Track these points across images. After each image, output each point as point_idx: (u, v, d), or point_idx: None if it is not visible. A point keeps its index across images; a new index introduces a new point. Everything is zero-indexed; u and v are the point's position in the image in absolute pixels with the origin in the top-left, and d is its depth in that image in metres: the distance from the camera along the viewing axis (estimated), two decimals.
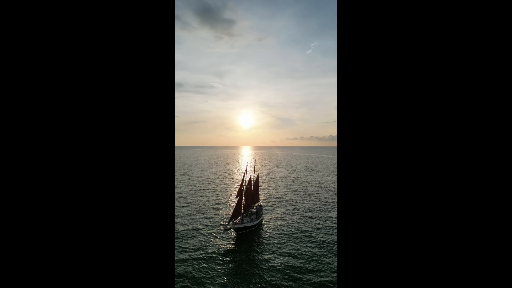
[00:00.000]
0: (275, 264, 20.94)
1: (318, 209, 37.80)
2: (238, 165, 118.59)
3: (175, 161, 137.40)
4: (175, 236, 26.90)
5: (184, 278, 18.72)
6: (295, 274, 19.41)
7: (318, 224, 30.96)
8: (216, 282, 18.28)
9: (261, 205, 36.35)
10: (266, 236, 27.18)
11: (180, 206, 38.97)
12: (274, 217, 33.85)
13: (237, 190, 51.77)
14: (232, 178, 71.73)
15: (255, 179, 36.31)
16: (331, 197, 45.42)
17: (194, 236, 26.95)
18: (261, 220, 32.26)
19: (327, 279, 18.67)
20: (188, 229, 28.91)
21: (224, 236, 27.05)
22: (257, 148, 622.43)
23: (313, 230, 28.91)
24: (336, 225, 30.37)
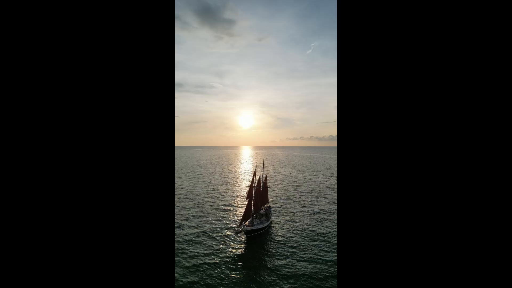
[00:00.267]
0: (291, 270, 19.80)
1: (329, 210, 36.67)
2: (241, 165, 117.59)
3: (177, 161, 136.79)
4: (184, 240, 25.78)
5: (198, 285, 17.60)
6: (314, 281, 18.27)
7: (332, 226, 29.81)
8: None
9: (269, 206, 35.25)
10: (278, 239, 26.05)
11: (187, 208, 37.86)
12: (284, 219, 32.72)
13: (243, 190, 51.00)
14: (237, 178, 70.78)
15: (263, 179, 35.24)
16: None
17: (203, 239, 25.82)
18: (271, 222, 31.14)
19: None
20: (197, 232, 27.80)
21: (234, 239, 25.90)
22: (257, 148, 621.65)
23: (327, 233, 27.77)
24: None
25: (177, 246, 24.04)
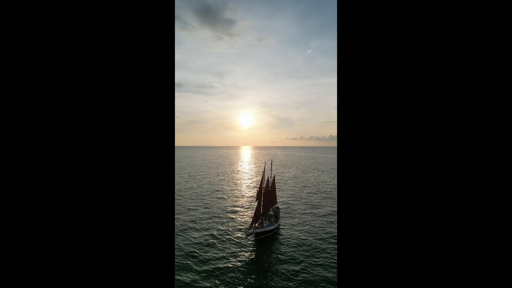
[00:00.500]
0: (307, 276, 18.88)
1: None
2: (243, 165, 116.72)
3: (179, 161, 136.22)
4: (194, 243, 24.90)
5: None
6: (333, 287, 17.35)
7: None
8: None
9: (278, 207, 34.38)
10: (290, 242, 25.12)
11: (195, 209, 36.98)
12: (294, 221, 31.78)
13: (249, 190, 50.19)
14: (242, 179, 69.97)
15: (272, 180, 34.38)
16: None
17: (212, 242, 24.95)
18: (279, 223, 30.25)
19: None
20: (206, 235, 26.93)
21: (244, 242, 25.00)
22: (257, 148, 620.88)
23: None
24: None
25: (187, 249, 23.16)
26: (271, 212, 30.74)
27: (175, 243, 24.64)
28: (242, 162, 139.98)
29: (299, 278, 18.54)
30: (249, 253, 22.62)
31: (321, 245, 24.26)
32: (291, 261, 21.15)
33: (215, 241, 25.24)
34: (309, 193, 49.49)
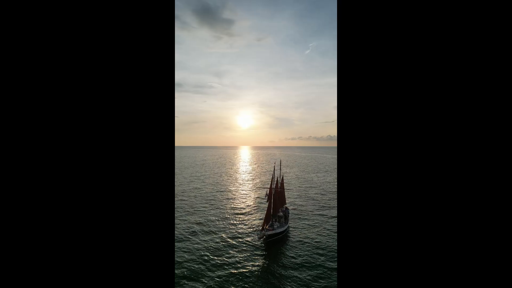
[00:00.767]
0: (328, 283, 17.94)
1: None
2: (245, 165, 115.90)
3: (180, 161, 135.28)
4: (204, 247, 23.96)
5: None
6: None
7: None
8: None
9: (287, 208, 33.52)
10: (303, 245, 24.22)
11: (201, 211, 36.02)
12: (304, 223, 30.89)
13: (255, 191, 49.34)
14: (246, 179, 69.23)
15: (281, 180, 33.52)
16: None
17: (223, 246, 24.01)
18: (289, 225, 29.40)
19: None
20: (215, 238, 25.96)
21: (256, 245, 24.04)
22: (256, 148, 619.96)
23: None
24: None
25: (198, 253, 22.20)
26: (281, 213, 29.89)
27: (185, 246, 23.69)
28: (243, 162, 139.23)
29: (319, 285, 17.63)
30: (262, 257, 21.69)
31: (336, 248, 23.36)
32: (307, 265, 20.25)
33: (225, 244, 24.30)
34: (316, 193, 48.63)
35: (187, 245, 23.81)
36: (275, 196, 28.97)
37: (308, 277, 18.48)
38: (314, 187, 55.88)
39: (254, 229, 28.40)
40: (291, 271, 19.29)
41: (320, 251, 22.82)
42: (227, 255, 21.85)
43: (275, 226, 26.26)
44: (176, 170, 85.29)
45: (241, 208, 37.86)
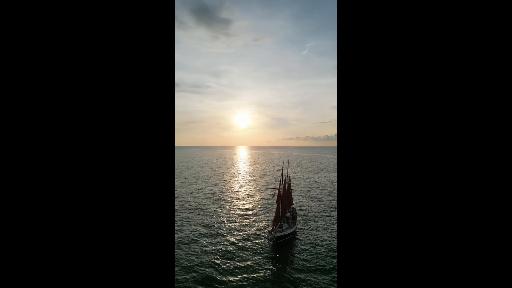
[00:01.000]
0: None
1: None
2: (245, 166, 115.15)
3: (179, 161, 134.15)
4: (212, 250, 23.17)
5: None
6: None
7: None
8: None
9: (294, 208, 32.89)
10: (314, 247, 23.56)
11: (206, 212, 35.21)
12: (313, 224, 30.21)
13: (259, 192, 48.63)
14: (248, 179, 68.41)
15: (288, 180, 32.90)
16: None
17: (232, 249, 23.24)
18: (297, 225, 28.79)
19: None
20: (223, 241, 25.19)
21: (265, 248, 23.32)
22: (253, 148, 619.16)
23: None
24: None
25: (209, 257, 21.41)
26: (289, 214, 29.26)
27: (193, 249, 22.91)
28: (243, 162, 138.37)
29: None
30: (273, 260, 20.97)
31: None
32: (321, 269, 19.59)
33: (235, 247, 23.54)
34: (320, 194, 48.03)
35: (195, 248, 23.03)
36: (284, 197, 28.33)
37: (324, 282, 17.82)
38: (317, 187, 55.30)
39: (263, 230, 27.69)
40: (305, 274, 18.62)
41: (332, 254, 22.18)
42: (238, 259, 21.11)
43: (284, 227, 25.64)
44: (176, 171, 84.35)
45: (246, 209, 37.11)
